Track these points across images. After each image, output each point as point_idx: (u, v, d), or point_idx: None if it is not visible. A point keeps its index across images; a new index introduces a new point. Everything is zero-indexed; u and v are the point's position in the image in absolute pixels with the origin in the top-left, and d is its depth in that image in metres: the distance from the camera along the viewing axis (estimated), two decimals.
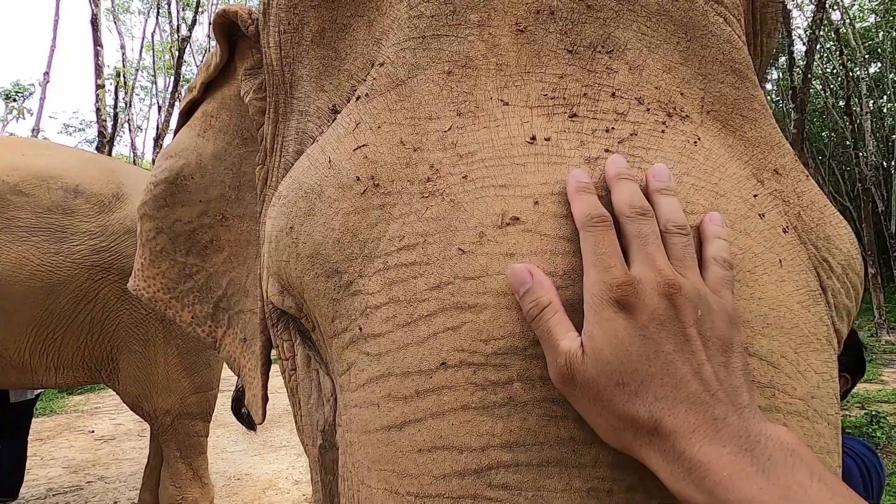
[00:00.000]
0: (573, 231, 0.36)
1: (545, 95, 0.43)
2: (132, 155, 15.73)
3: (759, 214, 0.42)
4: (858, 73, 12.89)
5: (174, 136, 0.98)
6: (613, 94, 0.42)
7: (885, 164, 14.49)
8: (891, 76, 13.91)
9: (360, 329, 0.40)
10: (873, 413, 4.69)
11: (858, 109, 12.05)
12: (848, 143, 12.98)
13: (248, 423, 2.96)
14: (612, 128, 0.41)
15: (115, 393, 2.40)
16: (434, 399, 0.35)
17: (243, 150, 0.83)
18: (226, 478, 3.82)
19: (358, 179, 0.42)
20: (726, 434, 0.30)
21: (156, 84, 16.74)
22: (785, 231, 0.43)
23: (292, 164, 0.58)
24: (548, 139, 0.40)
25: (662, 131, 0.42)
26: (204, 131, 0.87)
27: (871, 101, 13.34)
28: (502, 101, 0.42)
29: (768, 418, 0.35)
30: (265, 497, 3.52)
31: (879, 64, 14.46)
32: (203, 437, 2.55)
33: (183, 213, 0.87)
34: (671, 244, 0.36)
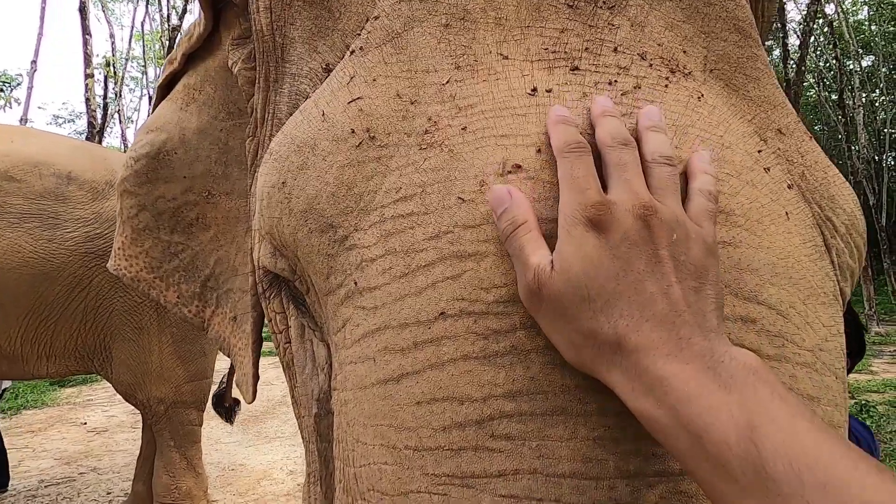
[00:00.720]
0: None
1: (546, 49, 0.42)
2: (123, 146, 15.55)
3: (765, 168, 0.41)
4: (851, 66, 12.94)
5: (153, 109, 0.96)
6: (615, 50, 0.42)
7: (876, 157, 14.59)
8: (883, 70, 13.99)
9: (356, 283, 0.39)
10: (863, 402, 4.75)
11: (851, 103, 12.11)
12: (840, 136, 13.06)
13: (228, 416, 2.90)
14: (615, 81, 0.40)
15: (107, 385, 2.38)
16: (433, 350, 0.34)
17: (230, 125, 0.80)
18: (220, 468, 3.80)
19: (353, 132, 0.41)
20: (690, 352, 0.30)
21: (146, 74, 16.52)
22: (790, 187, 0.42)
23: None
24: (549, 91, 0.39)
25: (666, 86, 0.41)
26: (187, 105, 0.84)
27: (864, 95, 13.41)
28: (501, 54, 0.42)
29: (777, 370, 0.34)
30: (260, 487, 3.52)
31: (873, 57, 14.53)
32: (197, 426, 2.53)
33: (166, 189, 0.84)
34: (654, 173, 0.35)
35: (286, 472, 3.75)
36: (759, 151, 0.42)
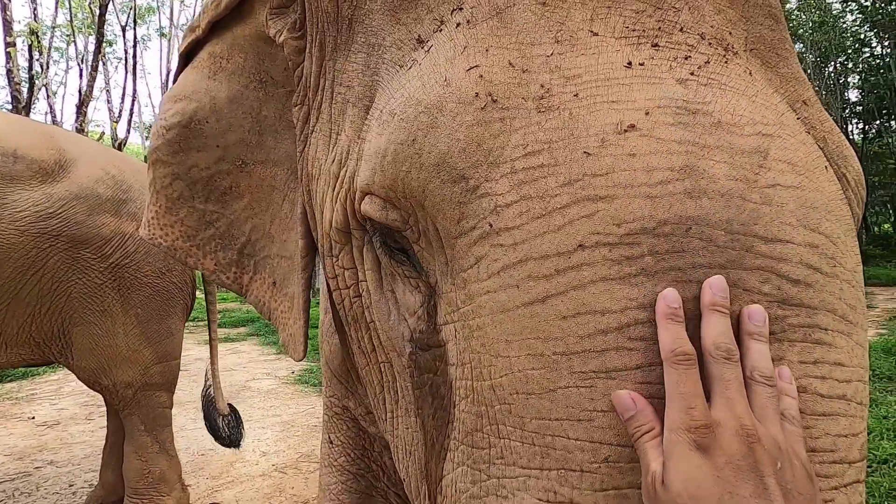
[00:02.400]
0: (682, 136, 0.43)
1: (627, 28, 0.49)
2: (51, 122, 14.33)
3: (806, 131, 0.50)
4: None
5: (175, 78, 0.94)
6: (682, 30, 0.49)
7: None
8: (811, 57, 15.02)
9: (491, 225, 0.45)
10: None
11: None
12: None
13: (231, 441, 2.77)
14: (689, 56, 0.48)
15: (52, 378, 2.24)
16: (574, 275, 0.41)
17: (262, 94, 0.82)
18: (189, 454, 3.73)
19: (477, 96, 0.47)
20: None
21: (75, 44, 15.21)
22: (821, 148, 0.51)
23: (363, 97, 0.60)
24: (641, 64, 0.46)
25: (726, 62, 0.49)
26: (214, 73, 0.85)
27: None
28: (592, 31, 0.48)
29: (833, 283, 0.42)
30: (233, 470, 3.49)
31: (801, 45, 15.57)
32: (168, 408, 2.45)
33: (199, 158, 0.85)
34: (755, 392, 0.38)
35: (259, 454, 3.73)
36: (798, 118, 0.51)
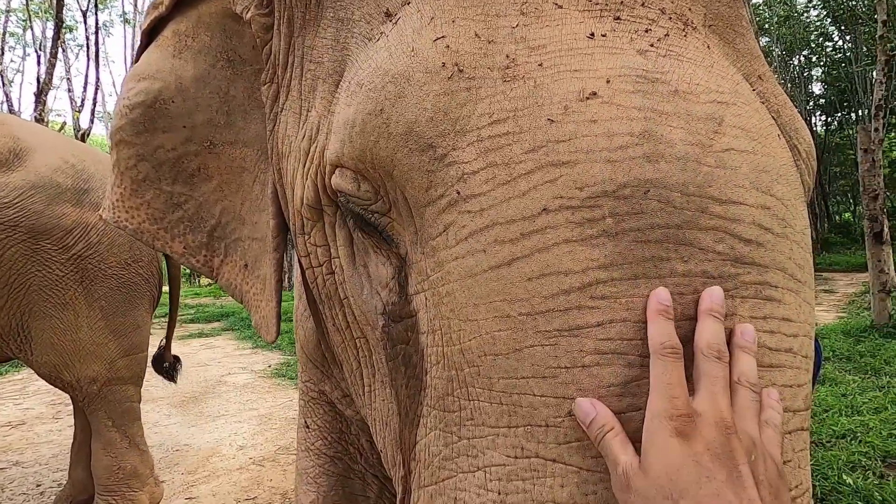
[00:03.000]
0: (641, 103, 0.44)
1: (590, 1, 0.50)
2: (7, 112, 13.68)
3: (761, 102, 0.52)
4: None
5: (137, 56, 0.91)
6: (643, 4, 0.51)
7: None
8: (776, 50, 15.44)
9: (458, 193, 0.46)
10: None
11: None
12: None
13: (170, 373, 2.79)
14: (650, 29, 0.49)
15: (15, 378, 2.14)
16: (538, 238, 0.42)
17: (230, 73, 0.80)
18: (164, 450, 3.66)
19: (444, 66, 0.48)
20: None
21: (31, 30, 14.54)
22: (774, 119, 0.54)
23: (333, 73, 0.60)
24: (604, 35, 0.48)
25: (685, 35, 0.51)
26: (180, 52, 0.83)
27: None
28: (556, 4, 0.50)
29: (783, 243, 0.44)
30: (209, 464, 3.44)
31: (767, 38, 15.99)
32: (136, 402, 2.37)
33: (165, 139, 0.83)
34: (739, 394, 0.40)
35: (236, 448, 3.69)
36: (754, 90, 0.53)
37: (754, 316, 0.43)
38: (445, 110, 0.46)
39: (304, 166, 0.62)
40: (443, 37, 0.49)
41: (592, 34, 0.47)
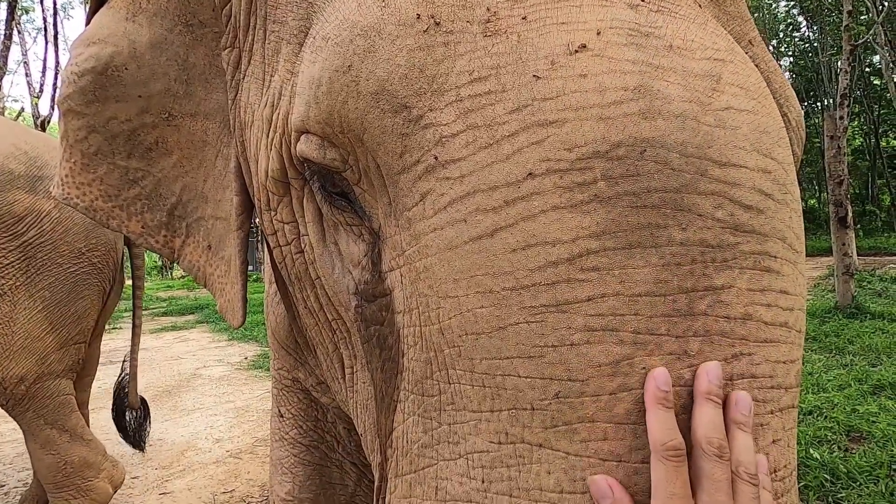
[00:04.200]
0: (634, 56, 0.41)
1: None
2: None
3: (755, 64, 0.50)
4: None
5: (87, 20, 0.84)
6: None
7: None
8: None
9: (436, 158, 0.42)
10: None
11: None
12: None
13: (135, 438, 2.54)
14: None
15: None
16: (524, 205, 0.39)
17: (189, 38, 0.74)
18: None
19: (418, 17, 0.43)
20: None
21: None
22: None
23: (298, 32, 0.55)
24: None
25: None
26: (133, 15, 0.76)
27: None
28: None
29: (783, 211, 0.42)
30: (184, 458, 3.36)
31: None
32: (70, 394, 2.16)
33: (118, 109, 0.76)
34: (739, 490, 0.38)
35: (212, 441, 3.62)
36: (746, 53, 0.51)
37: (752, 288, 0.40)
38: (421, 67, 0.42)
39: (268, 136, 0.58)
40: None
41: None
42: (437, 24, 0.43)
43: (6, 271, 1.97)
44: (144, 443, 2.61)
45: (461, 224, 0.41)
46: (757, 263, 0.41)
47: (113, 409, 2.60)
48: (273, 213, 0.60)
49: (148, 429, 2.62)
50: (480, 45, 0.42)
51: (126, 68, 0.75)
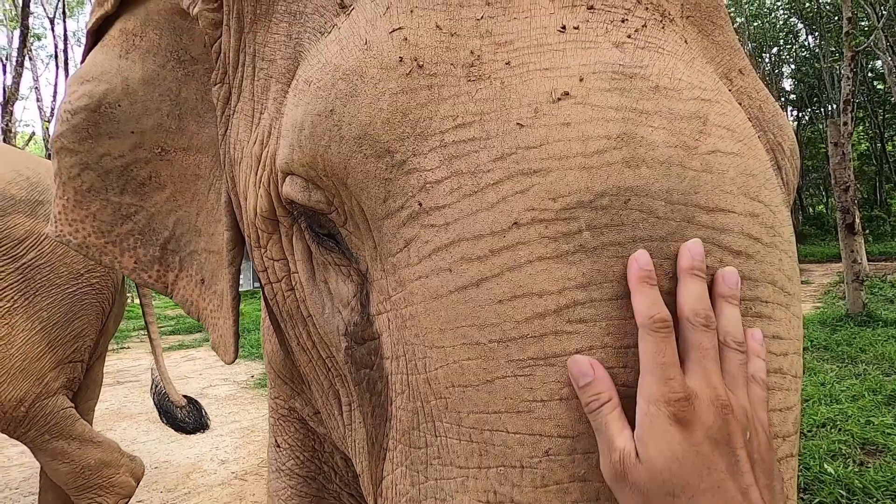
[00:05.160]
0: (618, 103, 0.41)
1: None
2: None
3: (739, 102, 0.50)
4: None
5: (83, 58, 0.86)
6: None
7: None
8: (749, 46, 15.77)
9: (420, 204, 0.41)
10: None
11: None
12: None
13: (198, 422, 2.61)
14: (626, 19, 0.45)
15: None
16: (509, 255, 0.38)
17: (181, 74, 0.75)
18: None
19: (401, 60, 0.43)
20: None
21: None
22: (750, 120, 0.51)
23: (286, 71, 0.55)
24: (576, 28, 0.44)
25: (663, 27, 0.47)
26: (127, 52, 0.77)
27: None
28: None
29: (772, 254, 0.42)
30: (190, 481, 3.34)
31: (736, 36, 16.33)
32: (70, 408, 2.16)
33: (112, 146, 0.77)
34: (727, 359, 0.38)
35: (217, 463, 3.59)
36: (734, 85, 0.51)
37: None
38: (404, 111, 0.42)
39: (257, 174, 0.58)
40: (400, 28, 0.44)
41: (564, 27, 0.43)
42: (420, 66, 0.43)
43: (5, 293, 1.98)
44: (207, 425, 2.68)
45: (446, 273, 0.40)
46: (748, 310, 0.40)
47: (162, 416, 2.64)
48: (263, 251, 0.60)
49: (205, 413, 2.67)
50: (464, 90, 0.42)
51: (119, 105, 0.76)
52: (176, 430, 2.66)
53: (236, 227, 0.69)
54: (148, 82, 0.76)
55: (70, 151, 0.78)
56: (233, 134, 0.64)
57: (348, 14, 0.49)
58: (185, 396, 2.67)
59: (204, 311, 0.77)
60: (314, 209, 0.50)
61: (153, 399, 2.67)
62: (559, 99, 0.40)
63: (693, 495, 0.33)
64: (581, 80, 0.41)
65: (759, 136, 0.51)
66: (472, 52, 0.43)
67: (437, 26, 0.44)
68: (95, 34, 0.83)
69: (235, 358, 0.72)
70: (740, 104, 0.51)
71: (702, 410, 0.35)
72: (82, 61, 0.84)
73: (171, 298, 0.80)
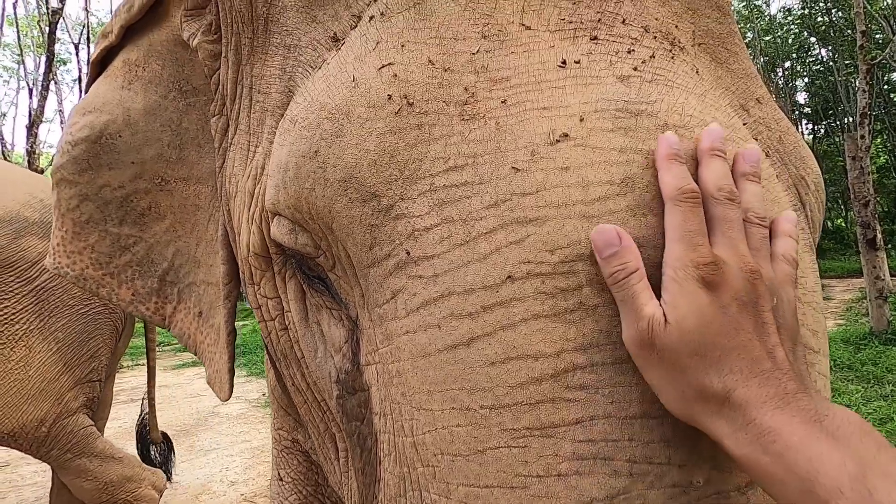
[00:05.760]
0: (622, 144, 0.38)
1: (563, 20, 0.44)
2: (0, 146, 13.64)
3: (755, 137, 0.47)
4: None
5: (86, 88, 0.86)
6: (624, 22, 0.44)
7: None
8: (761, 60, 15.70)
9: (408, 253, 0.39)
10: None
11: None
12: None
13: (165, 467, 2.63)
14: (633, 50, 0.43)
15: None
16: (503, 312, 0.35)
17: (182, 104, 0.75)
18: None
19: (390, 98, 0.41)
20: (796, 407, 0.32)
21: (24, 64, 14.61)
22: (767, 156, 0.48)
23: (281, 105, 0.54)
24: (577, 62, 0.41)
25: (672, 57, 0.44)
26: (129, 83, 0.77)
27: None
28: (524, 24, 0.43)
29: (797, 308, 0.39)
30: (198, 502, 3.31)
31: (749, 50, 16.30)
32: (91, 426, 2.18)
33: (112, 176, 0.77)
34: (750, 233, 0.38)
35: (227, 484, 3.56)
36: (745, 123, 0.47)
37: None
38: (392, 152, 0.40)
39: (250, 209, 0.56)
40: (390, 64, 0.42)
41: (564, 61, 0.41)
42: (411, 104, 0.40)
43: (21, 316, 2.01)
44: (171, 473, 2.67)
45: (434, 330, 0.37)
46: None
47: (138, 446, 2.67)
48: (256, 288, 0.58)
49: (173, 460, 2.72)
50: (457, 130, 0.39)
51: (120, 136, 0.76)
52: (142, 459, 2.65)
53: (232, 261, 0.68)
54: (149, 112, 0.76)
55: (70, 183, 0.78)
56: (229, 167, 0.63)
57: (339, 49, 0.48)
58: (163, 433, 2.69)
59: (201, 345, 0.75)
60: (301, 253, 0.48)
61: (136, 427, 2.67)
62: (557, 141, 0.38)
63: (721, 355, 0.33)
64: (581, 119, 0.38)
65: (779, 171, 0.48)
66: (466, 89, 0.40)
67: (430, 61, 0.41)
68: (100, 65, 0.83)
69: (230, 396, 0.70)
70: (758, 136, 0.48)
71: (729, 275, 0.35)
72: (86, 91, 0.85)
73: (169, 331, 0.79)
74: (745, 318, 0.34)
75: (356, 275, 0.44)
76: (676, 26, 0.47)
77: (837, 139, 16.53)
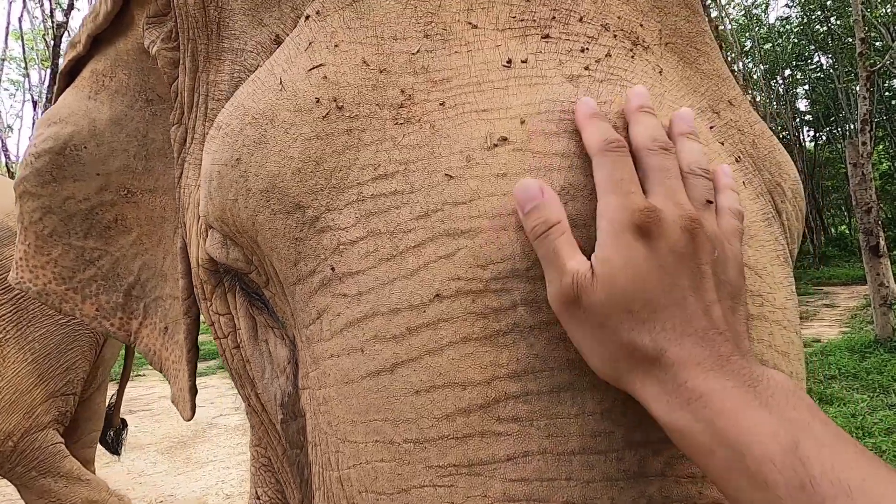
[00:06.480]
0: (566, 148, 0.36)
1: (514, 18, 0.41)
2: (4, 158, 13.77)
3: (720, 142, 0.44)
4: (734, 68, 14.42)
5: (54, 99, 0.85)
6: (581, 20, 0.42)
7: None
8: (761, 67, 15.72)
9: (333, 269, 0.36)
10: None
11: None
12: None
13: (113, 447, 2.64)
14: (587, 48, 0.40)
15: None
16: (429, 334, 0.33)
17: (148, 114, 0.74)
18: (146, 502, 3.49)
19: (318, 101, 0.38)
20: (730, 370, 0.29)
21: (28, 78, 14.78)
22: (737, 160, 0.45)
23: None
24: (525, 61, 0.39)
25: (632, 56, 0.42)
26: (96, 93, 0.76)
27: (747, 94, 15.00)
28: (470, 23, 0.41)
29: (759, 328, 0.36)
30: None
31: (749, 59, 16.30)
32: (59, 444, 2.13)
33: (76, 188, 0.75)
34: (692, 184, 0.35)
35: (222, 497, 3.52)
36: (711, 127, 0.45)
37: None
38: (318, 159, 0.37)
39: (198, 222, 0.54)
40: (320, 65, 0.39)
41: (510, 61, 0.38)
42: (340, 108, 0.38)
43: None
44: (120, 448, 2.73)
45: (358, 354, 0.35)
46: None
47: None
48: (208, 303, 0.56)
49: (124, 437, 2.73)
50: (389, 135, 0.37)
51: (85, 147, 0.74)
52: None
53: (191, 275, 0.66)
54: (115, 123, 0.74)
55: (32, 195, 0.77)
56: (184, 178, 0.62)
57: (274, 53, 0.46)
58: (122, 419, 2.73)
59: (166, 362, 0.73)
60: (234, 268, 0.45)
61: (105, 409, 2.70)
62: (495, 145, 0.35)
63: (653, 311, 0.31)
64: (522, 122, 0.36)
65: (752, 177, 0.45)
66: (402, 91, 0.38)
67: (364, 62, 0.39)
68: (68, 76, 0.82)
69: (192, 416, 0.68)
70: (728, 140, 0.45)
71: (666, 224, 0.32)
72: (53, 103, 0.84)
73: (134, 347, 0.77)
74: (681, 272, 0.31)
75: (285, 292, 0.42)
76: (641, 24, 0.44)
77: (839, 146, 16.49)
